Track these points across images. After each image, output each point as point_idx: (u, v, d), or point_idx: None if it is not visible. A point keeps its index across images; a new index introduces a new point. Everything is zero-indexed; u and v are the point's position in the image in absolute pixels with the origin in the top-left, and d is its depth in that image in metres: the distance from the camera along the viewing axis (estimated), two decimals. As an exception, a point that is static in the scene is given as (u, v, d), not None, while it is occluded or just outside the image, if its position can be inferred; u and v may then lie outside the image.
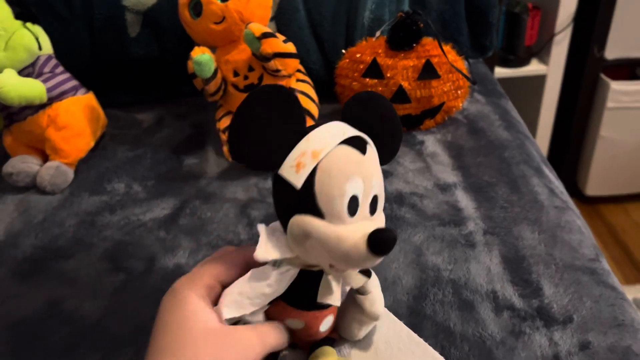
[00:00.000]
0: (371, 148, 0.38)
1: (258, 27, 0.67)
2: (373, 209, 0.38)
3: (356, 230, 0.35)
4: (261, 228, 0.40)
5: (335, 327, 0.47)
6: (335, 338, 0.46)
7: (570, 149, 1.68)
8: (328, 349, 0.44)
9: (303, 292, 0.40)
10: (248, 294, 0.39)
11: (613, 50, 1.50)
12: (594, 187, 1.71)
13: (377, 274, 0.54)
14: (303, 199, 0.36)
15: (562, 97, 1.57)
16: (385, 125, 0.42)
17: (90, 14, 0.80)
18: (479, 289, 0.53)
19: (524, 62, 1.54)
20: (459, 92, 0.75)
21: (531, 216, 0.62)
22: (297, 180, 0.36)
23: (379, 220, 0.39)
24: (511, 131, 0.77)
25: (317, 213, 0.36)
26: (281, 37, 0.69)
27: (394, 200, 0.65)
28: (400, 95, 0.72)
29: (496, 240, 0.58)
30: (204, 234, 0.62)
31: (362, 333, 0.47)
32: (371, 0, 0.80)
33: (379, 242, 0.35)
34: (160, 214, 0.65)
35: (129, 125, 0.84)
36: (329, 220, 0.36)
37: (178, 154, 0.76)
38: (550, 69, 1.53)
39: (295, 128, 0.38)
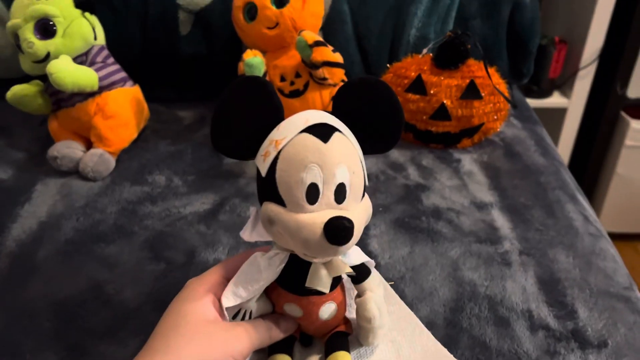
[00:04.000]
0: (340, 136, 0.38)
1: (311, 35, 0.69)
2: (340, 197, 0.37)
3: (314, 218, 0.36)
4: (252, 211, 0.42)
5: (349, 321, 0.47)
6: (349, 332, 0.46)
7: (586, 183, 1.68)
8: (342, 355, 0.44)
9: (295, 276, 0.41)
10: (242, 282, 0.41)
11: (635, 89, 1.51)
12: (605, 223, 1.72)
13: (414, 284, 0.55)
14: (268, 187, 0.38)
15: (581, 131, 1.58)
16: (379, 110, 0.40)
17: (145, 10, 0.82)
18: (515, 307, 0.53)
19: (547, 93, 1.55)
20: (499, 114, 0.76)
21: (566, 241, 0.62)
22: (263, 168, 0.38)
23: (351, 210, 0.38)
24: (547, 157, 0.78)
25: (279, 201, 0.37)
26: (330, 47, 0.71)
27: (431, 214, 0.66)
28: (442, 112, 0.73)
29: (532, 261, 0.59)
30: (243, 231, 0.63)
31: (370, 339, 0.46)
32: (418, 19, 0.82)
33: (332, 230, 0.35)
34: (200, 209, 0.67)
35: (170, 121, 0.86)
36: (290, 208, 0.37)
37: (219, 153, 0.78)
38: (572, 103, 1.54)
39: (271, 118, 0.39)
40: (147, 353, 0.38)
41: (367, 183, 0.41)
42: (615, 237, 1.74)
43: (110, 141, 0.73)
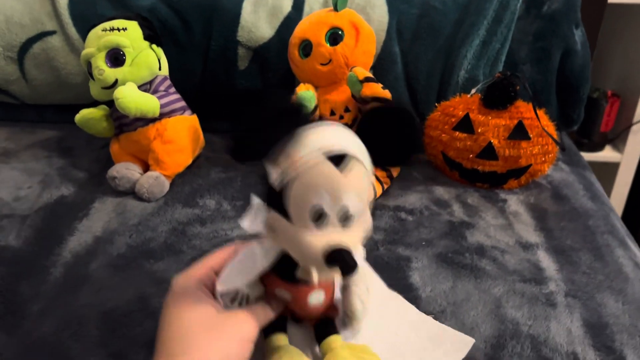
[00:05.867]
0: (354, 164, 0.39)
1: (362, 71, 0.72)
2: (345, 221, 0.39)
3: (317, 242, 0.38)
4: (253, 201, 0.44)
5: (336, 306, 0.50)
6: (334, 316, 0.49)
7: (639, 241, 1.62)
8: (334, 338, 0.47)
9: (288, 266, 0.43)
10: (238, 268, 0.44)
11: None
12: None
13: (455, 318, 0.55)
14: (279, 200, 0.40)
15: (635, 186, 1.53)
16: (399, 134, 0.43)
17: (207, 45, 0.88)
18: (559, 348, 0.52)
19: (598, 147, 1.51)
20: (547, 156, 0.75)
21: (615, 285, 0.61)
22: (276, 180, 0.39)
23: (351, 233, 0.40)
24: (596, 202, 0.76)
25: (287, 215, 0.39)
26: (380, 84, 0.73)
27: (475, 251, 0.65)
28: (489, 151, 0.74)
29: (578, 303, 0.58)
30: (286, 256, 0.64)
31: (354, 325, 0.48)
32: (467, 61, 0.83)
33: (333, 259, 0.38)
34: (246, 232, 0.68)
35: (223, 150, 0.89)
36: (296, 225, 0.39)
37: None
38: (625, 157, 1.50)
39: (292, 126, 0.39)
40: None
41: (370, 200, 0.42)
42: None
43: (167, 165, 0.77)
